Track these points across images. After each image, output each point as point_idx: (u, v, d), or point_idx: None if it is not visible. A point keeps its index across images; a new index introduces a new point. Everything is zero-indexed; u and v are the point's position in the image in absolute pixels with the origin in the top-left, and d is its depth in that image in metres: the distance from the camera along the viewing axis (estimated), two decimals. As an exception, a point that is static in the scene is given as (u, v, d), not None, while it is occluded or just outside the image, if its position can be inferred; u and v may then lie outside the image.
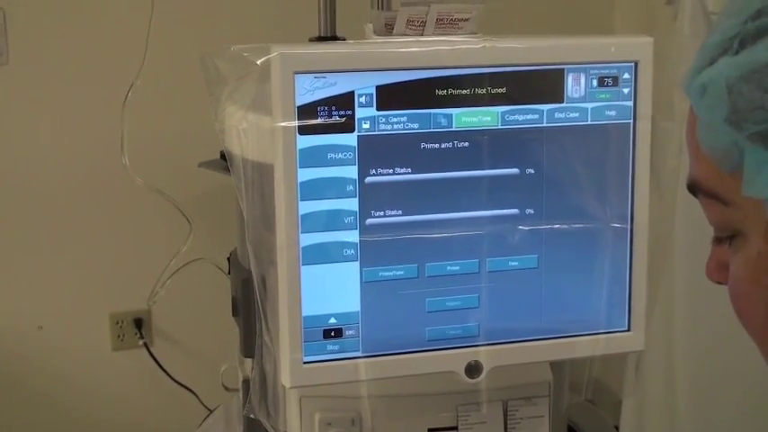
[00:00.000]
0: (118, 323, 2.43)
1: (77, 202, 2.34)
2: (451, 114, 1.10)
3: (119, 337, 2.44)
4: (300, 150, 1.06)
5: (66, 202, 2.33)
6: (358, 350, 1.13)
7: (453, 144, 1.11)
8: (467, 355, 1.16)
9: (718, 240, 0.66)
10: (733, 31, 0.59)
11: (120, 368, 2.45)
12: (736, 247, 0.63)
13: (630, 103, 1.15)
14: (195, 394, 2.37)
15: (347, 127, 1.08)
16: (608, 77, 1.14)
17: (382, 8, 1.51)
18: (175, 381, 2.41)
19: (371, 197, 1.10)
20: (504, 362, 1.17)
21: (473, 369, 1.16)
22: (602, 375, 1.31)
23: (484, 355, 1.16)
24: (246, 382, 1.36)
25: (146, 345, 2.44)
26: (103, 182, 2.30)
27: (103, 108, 2.21)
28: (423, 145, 1.10)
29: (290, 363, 1.11)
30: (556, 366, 1.29)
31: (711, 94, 0.59)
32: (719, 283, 0.68)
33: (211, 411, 1.96)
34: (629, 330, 1.20)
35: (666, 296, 1.68)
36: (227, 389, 1.56)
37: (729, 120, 0.58)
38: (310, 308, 1.10)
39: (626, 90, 1.15)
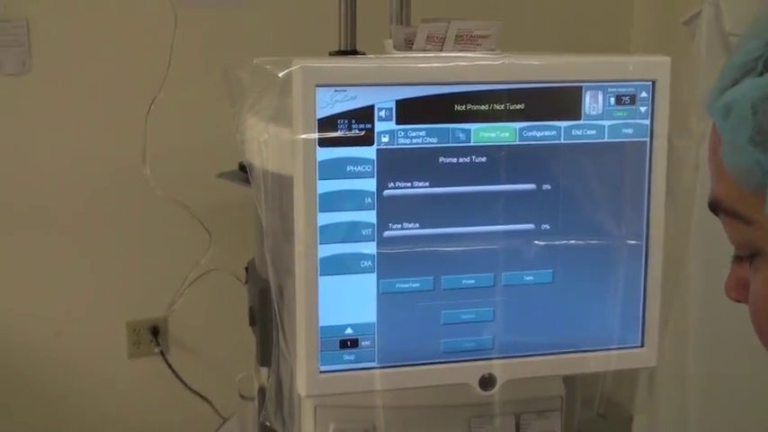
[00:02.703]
0: (134, 331, 2.43)
1: (98, 212, 2.34)
2: (470, 129, 1.10)
3: (135, 344, 2.44)
4: (320, 162, 1.06)
5: (88, 211, 2.34)
6: (374, 361, 1.12)
7: (471, 159, 1.10)
8: (481, 367, 1.15)
9: (738, 259, 0.65)
10: (757, 52, 0.59)
11: (135, 375, 2.45)
12: (756, 265, 0.62)
13: (647, 122, 1.14)
14: (210, 402, 2.37)
15: (366, 140, 1.07)
16: (625, 96, 1.13)
17: (402, 23, 1.52)
18: (190, 389, 2.41)
19: (389, 210, 1.09)
20: (517, 375, 1.16)
21: (487, 382, 1.15)
22: (614, 391, 1.30)
23: (498, 368, 1.15)
24: (262, 390, 1.36)
25: (161, 353, 2.44)
26: (124, 192, 2.31)
27: (126, 119, 2.22)
28: (441, 159, 1.10)
29: (306, 372, 1.10)
30: (568, 381, 1.28)
31: (736, 114, 0.58)
32: (738, 301, 0.67)
33: (226, 419, 1.96)
34: (642, 346, 1.20)
35: (680, 313, 1.67)
36: (243, 397, 1.55)
37: (754, 140, 0.57)
38: (327, 318, 1.10)
39: (643, 108, 1.14)
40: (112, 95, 2.28)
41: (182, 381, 2.42)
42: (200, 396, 2.40)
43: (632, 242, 1.16)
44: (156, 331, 2.43)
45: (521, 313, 1.15)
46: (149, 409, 2.45)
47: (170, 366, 2.44)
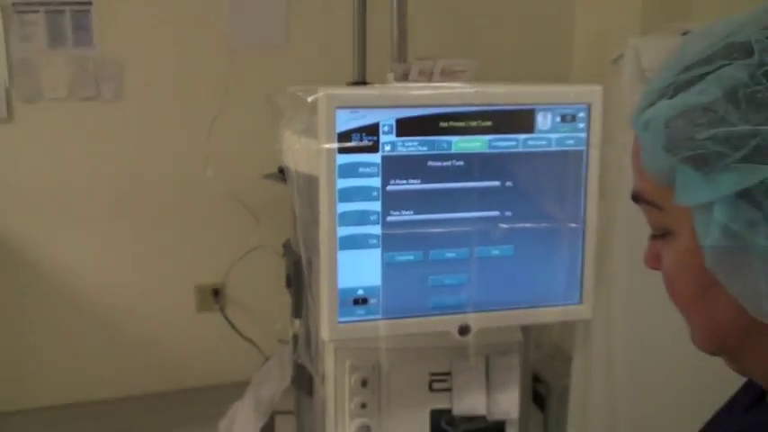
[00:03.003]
0: (200, 292, 2.44)
1: (176, 204, 2.35)
2: (451, 141, 1.09)
3: (201, 302, 2.44)
4: (339, 166, 1.05)
5: (169, 202, 2.35)
6: (379, 314, 1.12)
7: (452, 163, 1.10)
8: (459, 319, 1.14)
9: (654, 237, 0.65)
10: (669, 80, 0.58)
11: (201, 325, 2.46)
12: (667, 242, 0.62)
13: (585, 135, 1.13)
14: (256, 345, 2.37)
15: (374, 149, 1.07)
16: (568, 115, 1.12)
17: (400, 61, 1.51)
18: (241, 335, 2.41)
19: (391, 201, 1.09)
20: (487, 325, 1.16)
21: (464, 330, 1.15)
22: (559, 337, 1.29)
23: (472, 319, 1.15)
24: (295, 336, 1.35)
25: (221, 309, 2.44)
26: (194, 189, 2.31)
27: (194, 134, 2.22)
28: (429, 163, 1.09)
29: (328, 322, 1.10)
30: (525, 329, 1.28)
31: (653, 128, 0.58)
32: (654, 269, 0.66)
33: (268, 358, 1.95)
34: (581, 303, 1.19)
35: (610, 279, 1.66)
36: (281, 341, 1.55)
37: (666, 147, 0.56)
38: (344, 282, 1.09)
39: (581, 125, 1.13)
40: (184, 116, 2.28)
41: (235, 329, 2.42)
42: (249, 341, 2.40)
43: (573, 225, 1.16)
44: (216, 292, 2.43)
45: (489, 278, 1.15)
46: (211, 349, 2.45)
47: (227, 318, 2.44)
